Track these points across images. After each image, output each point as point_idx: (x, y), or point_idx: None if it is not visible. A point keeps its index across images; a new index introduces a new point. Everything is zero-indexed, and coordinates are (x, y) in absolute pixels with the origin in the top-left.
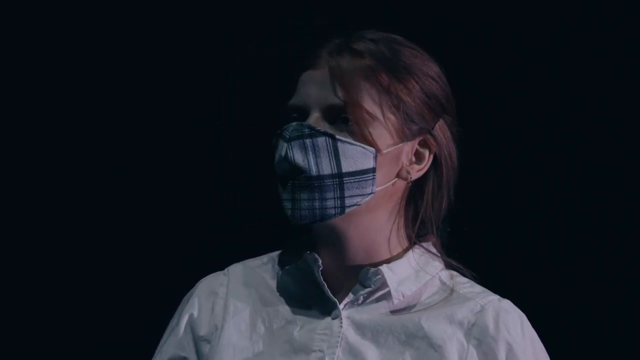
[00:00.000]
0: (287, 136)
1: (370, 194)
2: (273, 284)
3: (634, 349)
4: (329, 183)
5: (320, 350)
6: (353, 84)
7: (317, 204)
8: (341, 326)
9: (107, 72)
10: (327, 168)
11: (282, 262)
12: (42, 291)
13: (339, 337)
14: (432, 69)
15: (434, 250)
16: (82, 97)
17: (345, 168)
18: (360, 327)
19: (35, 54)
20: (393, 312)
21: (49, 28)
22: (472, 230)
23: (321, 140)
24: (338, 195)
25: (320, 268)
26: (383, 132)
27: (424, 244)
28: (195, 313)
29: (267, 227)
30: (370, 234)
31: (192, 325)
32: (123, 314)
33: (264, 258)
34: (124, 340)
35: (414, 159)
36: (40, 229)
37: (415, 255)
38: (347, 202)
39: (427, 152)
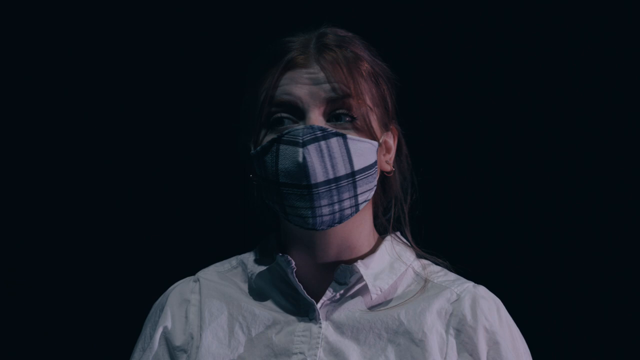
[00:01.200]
0: (300, 141)
1: (375, 186)
2: (246, 288)
3: (619, 337)
4: (345, 184)
5: (301, 353)
6: (352, 76)
7: (336, 207)
8: (320, 327)
9: (109, 72)
10: (342, 169)
11: (253, 265)
12: (42, 291)
13: (318, 337)
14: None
15: (405, 240)
16: (83, 98)
17: (357, 166)
18: (339, 326)
19: (38, 55)
20: (371, 307)
21: (52, 28)
22: (447, 221)
23: (334, 142)
24: (353, 194)
25: (294, 270)
26: (376, 123)
27: (395, 234)
28: (169, 324)
29: (267, 227)
30: (355, 229)
31: (166, 337)
32: (123, 314)
33: (233, 261)
34: (124, 340)
35: (384, 149)
36: (41, 230)
37: (388, 246)
38: (360, 199)
39: (391, 141)
